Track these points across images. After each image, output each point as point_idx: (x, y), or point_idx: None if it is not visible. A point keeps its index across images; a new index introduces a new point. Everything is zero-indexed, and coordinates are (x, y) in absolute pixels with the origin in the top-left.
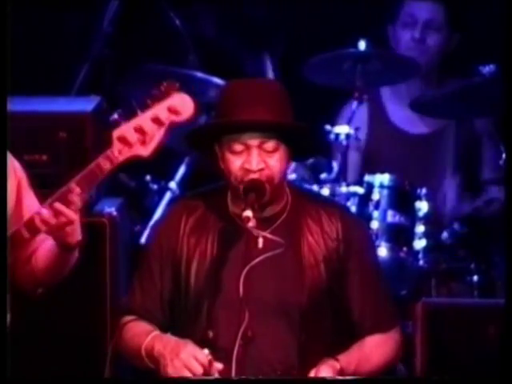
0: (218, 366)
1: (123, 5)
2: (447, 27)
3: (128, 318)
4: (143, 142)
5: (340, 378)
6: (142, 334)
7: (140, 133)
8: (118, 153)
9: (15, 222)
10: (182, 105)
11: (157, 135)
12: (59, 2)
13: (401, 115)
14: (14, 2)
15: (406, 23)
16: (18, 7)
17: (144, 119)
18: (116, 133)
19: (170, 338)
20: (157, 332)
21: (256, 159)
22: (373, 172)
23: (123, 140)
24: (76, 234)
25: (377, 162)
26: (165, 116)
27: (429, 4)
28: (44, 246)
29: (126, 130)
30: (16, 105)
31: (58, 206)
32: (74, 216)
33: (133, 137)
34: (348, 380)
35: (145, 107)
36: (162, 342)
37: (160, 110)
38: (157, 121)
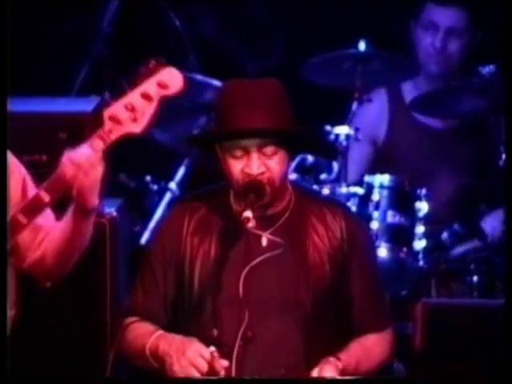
0: (224, 363)
1: (123, 5)
2: (470, 30)
3: (131, 319)
4: (134, 119)
5: (341, 378)
6: (146, 334)
7: (130, 110)
8: (109, 131)
9: None
10: (170, 79)
11: (147, 111)
12: (59, 2)
13: None
14: (14, 1)
15: (426, 27)
16: (18, 7)
17: (134, 96)
18: (107, 112)
19: (174, 337)
20: (161, 331)
21: (256, 163)
22: (389, 165)
23: (114, 119)
24: (95, 193)
25: (394, 155)
26: (154, 91)
27: (451, 11)
28: (55, 228)
29: (117, 108)
30: (16, 105)
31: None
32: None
33: (123, 115)
34: (349, 380)
35: (134, 85)
36: (166, 341)
37: (149, 85)
38: (146, 96)
